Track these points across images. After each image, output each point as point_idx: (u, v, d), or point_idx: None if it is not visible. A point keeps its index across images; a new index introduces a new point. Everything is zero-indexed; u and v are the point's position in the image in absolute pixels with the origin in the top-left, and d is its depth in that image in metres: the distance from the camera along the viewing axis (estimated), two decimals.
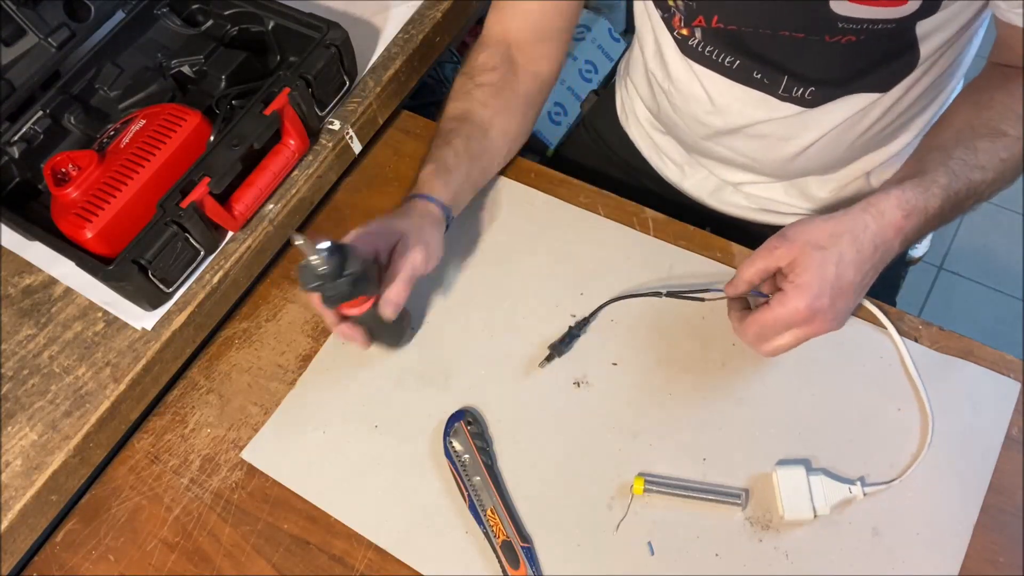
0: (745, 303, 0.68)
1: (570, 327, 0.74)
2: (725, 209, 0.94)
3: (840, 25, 0.65)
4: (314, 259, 0.62)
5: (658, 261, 0.78)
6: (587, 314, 0.74)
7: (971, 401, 0.67)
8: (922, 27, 0.67)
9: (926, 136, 0.72)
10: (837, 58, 0.70)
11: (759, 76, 0.74)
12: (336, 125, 0.84)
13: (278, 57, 0.87)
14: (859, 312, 0.72)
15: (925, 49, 0.70)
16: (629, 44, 0.98)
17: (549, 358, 0.73)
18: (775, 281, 0.65)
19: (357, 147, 0.87)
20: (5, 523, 0.66)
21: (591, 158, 1.05)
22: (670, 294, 0.73)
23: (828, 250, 0.61)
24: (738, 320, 0.66)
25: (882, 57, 0.70)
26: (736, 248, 0.78)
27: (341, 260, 0.63)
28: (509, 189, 0.84)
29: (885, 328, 0.71)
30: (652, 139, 0.97)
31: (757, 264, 0.63)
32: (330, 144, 0.83)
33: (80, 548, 0.71)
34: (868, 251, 0.62)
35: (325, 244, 0.62)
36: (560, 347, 0.73)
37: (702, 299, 0.72)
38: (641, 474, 0.67)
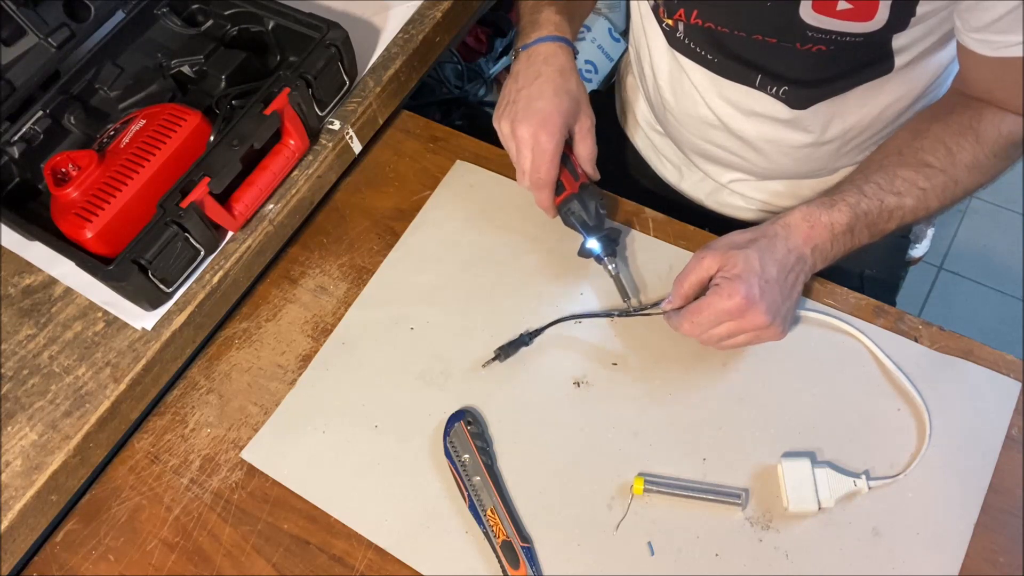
0: None
1: (521, 334, 0.74)
2: (723, 210, 0.94)
3: (810, 34, 0.67)
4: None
5: (658, 261, 0.78)
6: (540, 327, 0.75)
7: (971, 401, 0.67)
8: (898, 40, 0.68)
9: (866, 157, 0.75)
10: (811, 64, 0.71)
11: (736, 72, 0.76)
12: (336, 125, 0.84)
13: (278, 57, 0.87)
14: (857, 312, 0.73)
15: (900, 60, 0.71)
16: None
17: (495, 358, 0.74)
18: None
19: (357, 147, 0.87)
20: (5, 523, 0.66)
21: None
22: (622, 314, 0.74)
23: (747, 248, 0.66)
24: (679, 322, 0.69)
25: (856, 65, 0.72)
26: None
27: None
28: (510, 189, 0.84)
29: (881, 328, 0.71)
30: (650, 140, 0.97)
31: (690, 278, 0.68)
32: (330, 144, 0.83)
33: (80, 548, 0.71)
34: (782, 253, 0.66)
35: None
36: (507, 350, 0.74)
37: (649, 314, 0.74)
38: (641, 474, 0.67)
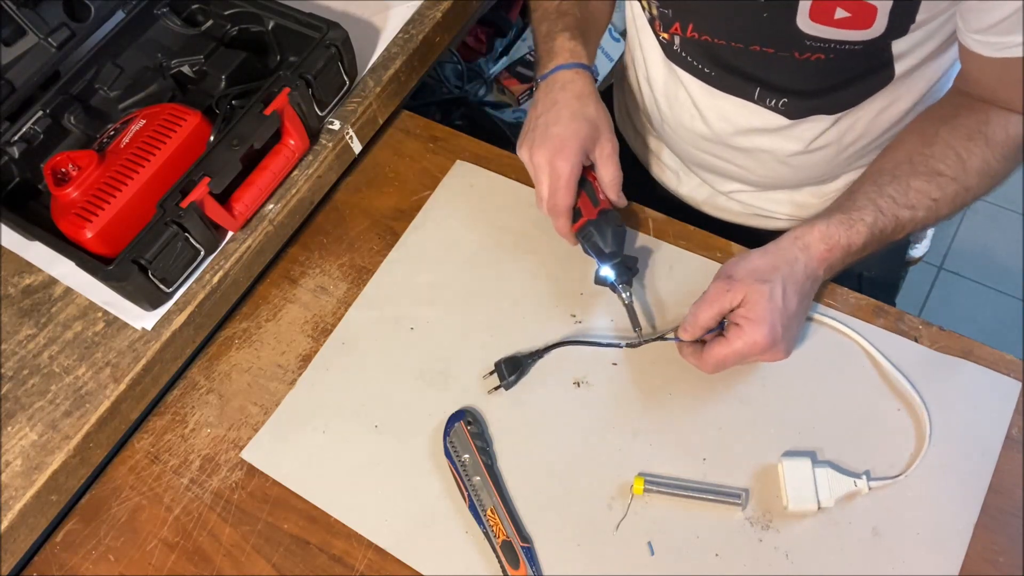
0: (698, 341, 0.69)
1: (523, 358, 0.73)
2: (721, 216, 0.94)
3: (808, 43, 0.66)
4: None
5: (658, 261, 0.78)
6: (542, 347, 0.74)
7: (971, 401, 0.67)
8: (898, 46, 0.68)
9: (873, 160, 0.73)
10: (809, 74, 0.71)
11: (734, 85, 0.76)
12: (336, 125, 0.84)
13: (278, 57, 0.87)
14: (857, 312, 0.73)
15: (901, 67, 0.71)
16: None
17: (498, 388, 0.72)
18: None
19: (357, 147, 0.87)
20: (5, 523, 0.66)
21: None
22: (629, 345, 0.73)
23: (772, 282, 0.64)
24: (693, 355, 0.68)
25: (855, 74, 0.71)
26: (736, 248, 0.78)
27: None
28: (510, 189, 0.84)
29: (880, 328, 0.71)
30: (648, 144, 0.97)
31: (714, 309, 0.66)
32: (330, 144, 0.83)
33: (80, 548, 0.71)
34: (801, 280, 0.66)
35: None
36: (510, 381, 0.72)
37: (664, 339, 0.72)
38: (641, 474, 0.67)
